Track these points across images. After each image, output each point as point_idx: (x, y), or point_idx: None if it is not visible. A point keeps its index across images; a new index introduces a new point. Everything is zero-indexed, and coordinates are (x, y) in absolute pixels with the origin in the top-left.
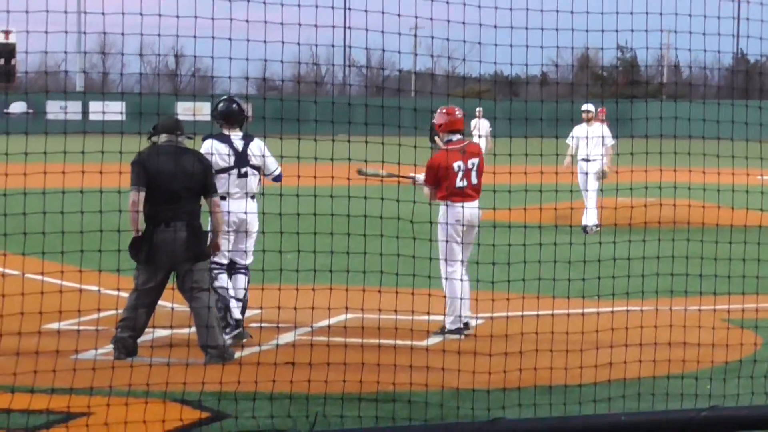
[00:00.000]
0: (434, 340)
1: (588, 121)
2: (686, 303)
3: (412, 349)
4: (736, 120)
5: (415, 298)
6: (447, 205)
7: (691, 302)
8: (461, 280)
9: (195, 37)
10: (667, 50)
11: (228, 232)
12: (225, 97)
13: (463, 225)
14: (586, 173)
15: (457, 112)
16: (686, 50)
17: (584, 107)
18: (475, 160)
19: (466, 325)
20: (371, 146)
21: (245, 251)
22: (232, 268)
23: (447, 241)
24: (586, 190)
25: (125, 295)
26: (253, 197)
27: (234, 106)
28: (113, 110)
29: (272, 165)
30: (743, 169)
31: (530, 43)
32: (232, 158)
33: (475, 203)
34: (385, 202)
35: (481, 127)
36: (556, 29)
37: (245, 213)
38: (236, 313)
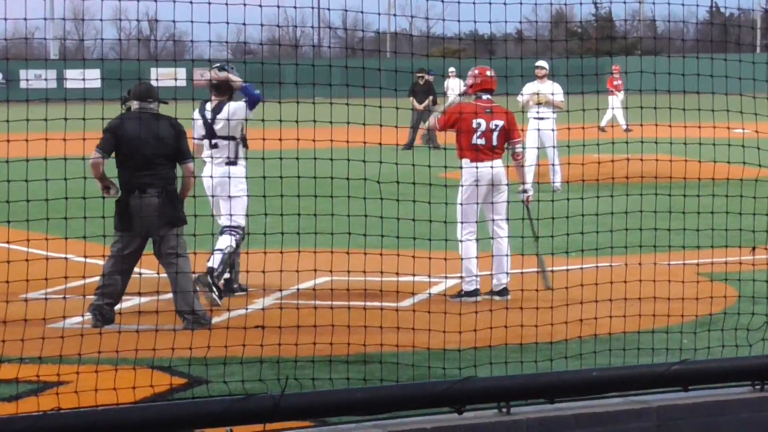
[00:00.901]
0: (405, 301)
1: (540, 78)
2: (656, 258)
3: (382, 310)
4: (715, 74)
5: (384, 259)
6: (462, 166)
7: (661, 257)
8: (500, 238)
9: (174, 1)
10: (641, 5)
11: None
12: (218, 64)
13: (490, 184)
14: (538, 130)
15: (488, 72)
16: (660, 4)
17: (537, 63)
18: (500, 123)
19: (505, 291)
20: (352, 108)
21: (230, 215)
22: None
23: (461, 204)
24: (538, 148)
25: (92, 262)
26: (233, 162)
27: (222, 74)
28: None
29: (242, 113)
30: (724, 123)
31: (507, 1)
32: (204, 129)
33: (496, 162)
34: (352, 163)
35: (453, 87)
36: None
37: (219, 177)
38: (211, 262)
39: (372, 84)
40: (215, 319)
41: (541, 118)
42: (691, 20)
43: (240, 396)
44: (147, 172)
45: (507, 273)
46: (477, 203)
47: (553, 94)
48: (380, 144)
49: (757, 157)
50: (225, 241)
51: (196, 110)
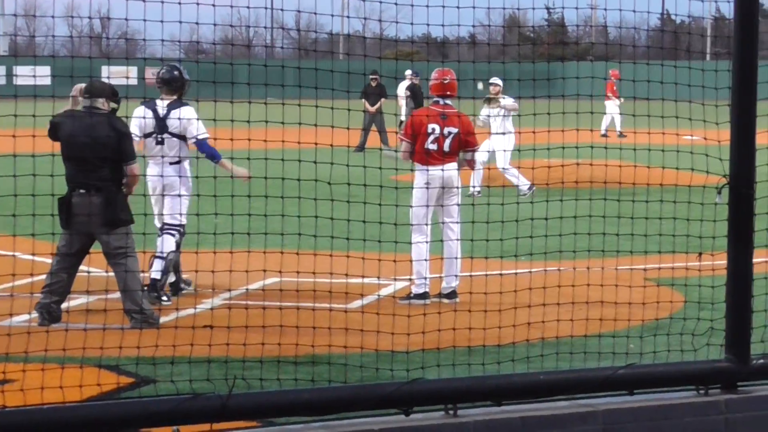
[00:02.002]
0: (355, 303)
1: (494, 94)
2: (604, 263)
3: (332, 311)
4: (665, 81)
5: (335, 260)
6: (416, 169)
7: (609, 262)
8: (451, 240)
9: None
10: (594, 11)
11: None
12: (169, 63)
13: (441, 187)
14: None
15: (447, 77)
16: (613, 10)
17: (492, 80)
18: (454, 130)
19: (453, 294)
20: (304, 109)
21: (171, 214)
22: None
23: (411, 207)
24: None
25: (40, 260)
26: (177, 162)
27: (175, 73)
28: (40, 74)
29: (194, 131)
30: (674, 130)
31: (461, 4)
32: (153, 125)
33: (448, 165)
34: (303, 164)
35: (401, 90)
36: None
37: (161, 177)
38: (154, 273)
39: (324, 85)
40: (164, 319)
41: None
42: (643, 27)
43: (188, 395)
44: (85, 172)
45: (456, 276)
46: (428, 206)
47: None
48: (332, 146)
49: (705, 164)
50: (166, 245)
51: (141, 107)
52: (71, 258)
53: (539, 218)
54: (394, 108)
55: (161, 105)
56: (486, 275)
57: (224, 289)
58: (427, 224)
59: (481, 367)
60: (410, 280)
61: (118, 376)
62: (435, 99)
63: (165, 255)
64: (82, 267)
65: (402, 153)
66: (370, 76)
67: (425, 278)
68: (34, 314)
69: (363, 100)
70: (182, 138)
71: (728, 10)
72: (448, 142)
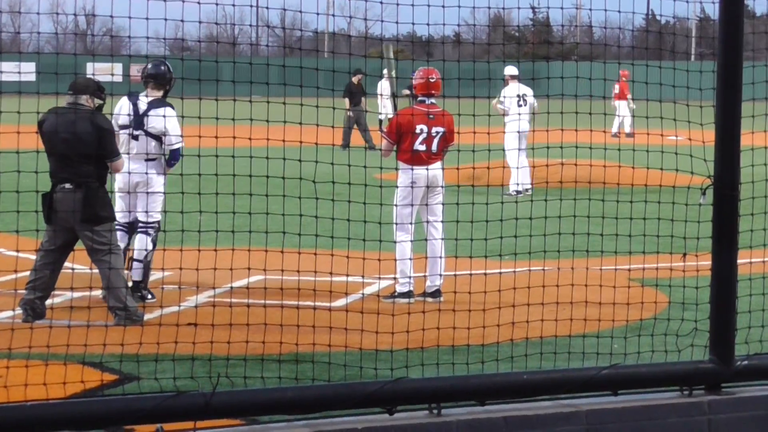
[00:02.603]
0: (339, 301)
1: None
2: (588, 263)
3: (315, 309)
4: (650, 81)
5: (318, 258)
6: (401, 168)
7: (593, 262)
8: (435, 239)
9: None
10: (579, 11)
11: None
12: (156, 59)
13: (426, 186)
14: (518, 132)
15: (432, 75)
16: (598, 10)
17: (509, 69)
18: (441, 129)
19: (437, 293)
20: (289, 108)
21: (146, 212)
22: (134, 228)
23: (396, 205)
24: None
25: (24, 256)
26: (153, 158)
27: (162, 68)
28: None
29: (173, 139)
30: (658, 130)
31: (446, 4)
32: (130, 119)
33: (433, 164)
34: (287, 162)
35: (384, 88)
36: None
37: (137, 174)
38: (135, 275)
39: (309, 83)
40: (148, 316)
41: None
42: (628, 27)
43: (171, 393)
44: (67, 168)
45: (440, 275)
46: (413, 205)
47: (523, 96)
48: (316, 144)
49: (689, 165)
50: (142, 244)
51: (124, 98)
52: (54, 254)
53: (524, 218)
54: (375, 107)
55: (143, 101)
56: (470, 274)
57: (209, 287)
58: (411, 223)
59: (465, 366)
60: (394, 278)
61: (102, 373)
62: (420, 98)
63: (144, 255)
64: (66, 264)
65: (384, 151)
66: (354, 76)
67: (409, 277)
68: (19, 311)
69: (346, 98)
70: (158, 139)
71: (713, 10)
72: (435, 141)
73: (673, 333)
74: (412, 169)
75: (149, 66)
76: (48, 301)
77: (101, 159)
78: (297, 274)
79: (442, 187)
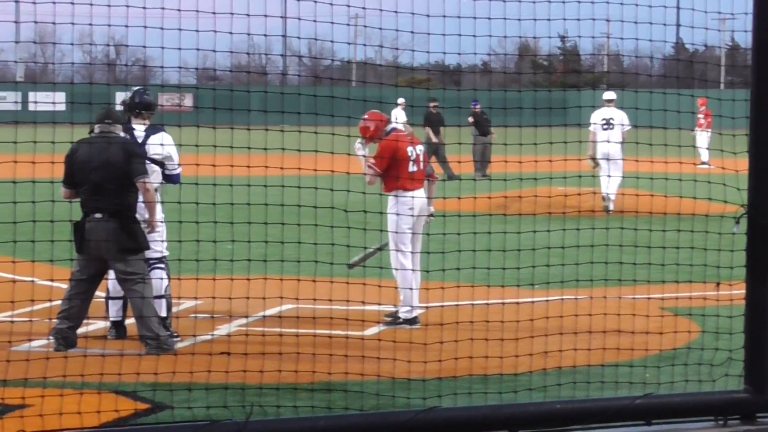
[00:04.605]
0: (371, 330)
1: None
2: (621, 291)
3: (348, 338)
4: (669, 108)
5: (351, 287)
6: (397, 195)
7: (626, 291)
8: (413, 270)
9: (145, 27)
10: (608, 39)
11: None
12: (137, 88)
13: (414, 215)
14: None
15: (376, 111)
16: (629, 39)
17: (606, 94)
18: (421, 147)
19: (415, 320)
20: (334, 137)
21: (153, 248)
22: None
23: (397, 232)
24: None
25: (58, 285)
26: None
27: (147, 96)
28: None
29: (175, 165)
30: (677, 158)
31: (477, 33)
32: None
33: (422, 191)
34: (319, 192)
35: (398, 117)
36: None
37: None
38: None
39: (339, 112)
40: (181, 345)
41: (608, 141)
42: (657, 55)
43: (204, 422)
44: (98, 197)
45: (411, 306)
46: (413, 233)
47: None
48: (347, 173)
49: (722, 193)
50: (160, 282)
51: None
52: (85, 283)
53: (556, 246)
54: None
55: (139, 129)
56: (503, 303)
57: (241, 316)
58: (412, 252)
59: (498, 395)
60: (411, 307)
61: (135, 402)
62: (391, 127)
63: (163, 292)
64: (98, 293)
65: (370, 178)
66: (430, 104)
67: (412, 307)
68: (51, 340)
69: (427, 128)
70: (161, 164)
71: (744, 39)
72: (421, 160)
73: (706, 362)
74: (398, 197)
75: (138, 96)
76: (81, 330)
77: (131, 186)
78: (329, 302)
79: (431, 216)
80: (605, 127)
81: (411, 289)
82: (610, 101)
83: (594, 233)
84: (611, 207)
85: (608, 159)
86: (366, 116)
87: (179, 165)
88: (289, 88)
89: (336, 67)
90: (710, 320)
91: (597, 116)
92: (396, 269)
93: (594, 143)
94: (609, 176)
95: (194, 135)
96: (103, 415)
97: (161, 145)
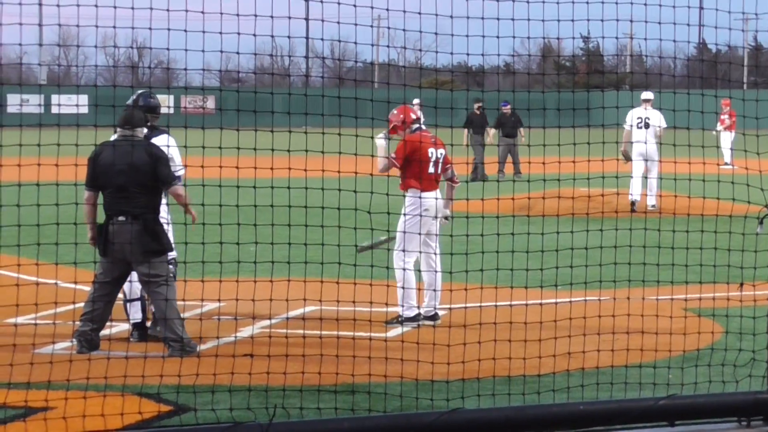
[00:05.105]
0: (394, 331)
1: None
2: (644, 292)
3: (371, 340)
4: (693, 109)
5: (374, 289)
6: (419, 196)
7: (649, 291)
8: (437, 270)
9: (168, 29)
10: (631, 40)
11: None
12: (141, 90)
13: (435, 216)
14: (645, 156)
15: (409, 106)
16: (652, 40)
17: (644, 95)
18: (443, 151)
19: (436, 316)
20: (359, 139)
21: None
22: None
23: (404, 232)
24: (645, 160)
25: (81, 288)
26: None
27: (152, 99)
28: (76, 103)
29: (177, 166)
30: (714, 159)
31: (501, 34)
32: None
33: (437, 192)
34: (342, 193)
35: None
36: (527, 19)
37: None
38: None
39: (362, 114)
40: (204, 347)
41: (645, 142)
42: (680, 56)
43: (228, 424)
44: (123, 199)
45: (435, 306)
46: (420, 234)
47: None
48: (371, 175)
49: (746, 194)
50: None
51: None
52: (108, 286)
53: (579, 248)
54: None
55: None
56: (526, 304)
57: (264, 317)
58: (420, 252)
59: (521, 396)
60: (420, 307)
61: (159, 404)
62: (417, 126)
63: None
64: (120, 295)
65: (383, 167)
66: (475, 105)
67: (415, 306)
68: (74, 342)
69: (466, 129)
70: None
71: (767, 39)
72: (440, 164)
73: (730, 363)
74: (421, 197)
75: (143, 99)
76: (104, 332)
77: (157, 189)
78: (353, 304)
79: (450, 217)
80: (640, 126)
81: (411, 288)
82: (647, 101)
83: (617, 234)
84: (653, 203)
85: (645, 159)
86: (396, 110)
87: (182, 166)
88: (312, 90)
89: (359, 69)
90: (733, 321)
91: (632, 115)
92: (396, 268)
93: (628, 142)
94: (646, 177)
95: (217, 137)
96: (127, 417)
97: (167, 146)
